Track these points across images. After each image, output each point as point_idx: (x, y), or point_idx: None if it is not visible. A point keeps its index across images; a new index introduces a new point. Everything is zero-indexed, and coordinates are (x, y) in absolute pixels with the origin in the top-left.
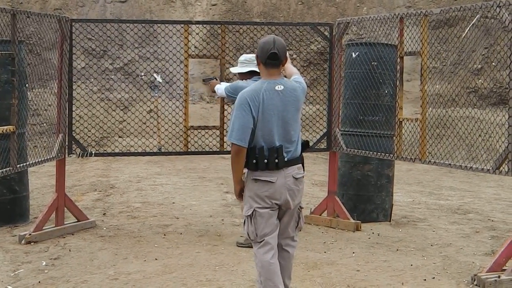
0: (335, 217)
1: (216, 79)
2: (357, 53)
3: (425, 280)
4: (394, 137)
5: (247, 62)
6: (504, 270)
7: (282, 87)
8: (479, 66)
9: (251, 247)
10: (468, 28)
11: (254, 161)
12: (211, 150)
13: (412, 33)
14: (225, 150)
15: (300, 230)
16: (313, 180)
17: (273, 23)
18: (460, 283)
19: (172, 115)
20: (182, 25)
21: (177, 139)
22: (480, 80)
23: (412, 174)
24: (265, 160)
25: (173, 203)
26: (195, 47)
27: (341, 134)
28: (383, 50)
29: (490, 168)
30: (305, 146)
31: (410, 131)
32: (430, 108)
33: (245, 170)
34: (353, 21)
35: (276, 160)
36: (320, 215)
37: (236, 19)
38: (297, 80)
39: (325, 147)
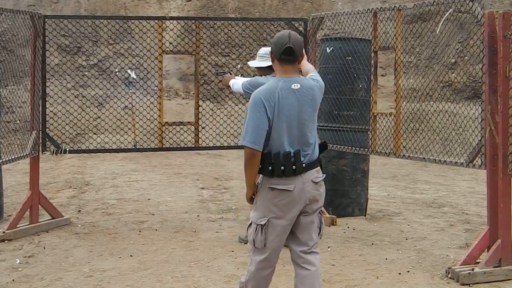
0: None
1: (230, 73)
2: (332, 48)
3: (399, 273)
4: (369, 132)
5: (267, 56)
6: (478, 263)
7: (299, 85)
8: (453, 61)
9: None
10: (441, 23)
11: (270, 168)
12: (186, 146)
13: (387, 27)
14: (200, 146)
15: (321, 237)
16: None
17: (248, 18)
18: (434, 276)
19: (147, 111)
20: (157, 21)
21: (151, 136)
22: (453, 74)
23: (388, 168)
24: (282, 167)
25: (149, 199)
26: (170, 43)
27: (316, 129)
28: (357, 45)
29: (464, 161)
30: (323, 147)
31: (384, 126)
32: (405, 103)
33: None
34: (327, 16)
35: (294, 167)
36: None
37: (211, 14)
38: (314, 78)
39: None
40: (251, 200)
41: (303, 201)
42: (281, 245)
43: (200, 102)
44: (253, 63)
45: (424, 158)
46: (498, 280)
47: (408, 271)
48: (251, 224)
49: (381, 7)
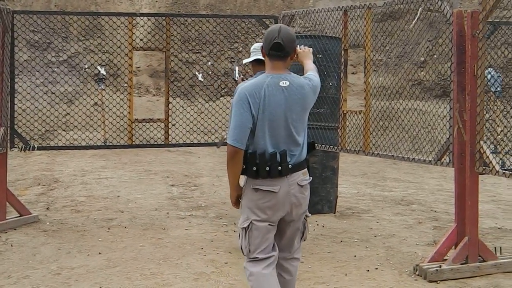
0: None
1: (243, 79)
2: (302, 45)
3: (368, 270)
4: (339, 129)
5: (255, 51)
6: (445, 260)
7: (288, 83)
8: (423, 59)
9: None
10: (414, 21)
11: (255, 168)
12: (156, 143)
13: (357, 26)
14: (170, 143)
15: (304, 240)
16: None
17: (219, 15)
18: (402, 273)
19: (117, 108)
20: (127, 17)
21: (121, 132)
22: (422, 73)
23: (357, 166)
24: (267, 168)
25: (118, 196)
26: (140, 39)
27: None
28: (328, 42)
29: (432, 159)
30: (311, 148)
31: (354, 123)
32: (374, 100)
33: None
34: (298, 14)
35: (279, 167)
36: None
37: (183, 11)
38: (307, 77)
39: None
40: (236, 203)
41: (288, 204)
42: (272, 243)
43: (171, 99)
44: (245, 60)
45: (393, 155)
46: (465, 277)
47: (377, 268)
48: (239, 232)
49: (351, 5)
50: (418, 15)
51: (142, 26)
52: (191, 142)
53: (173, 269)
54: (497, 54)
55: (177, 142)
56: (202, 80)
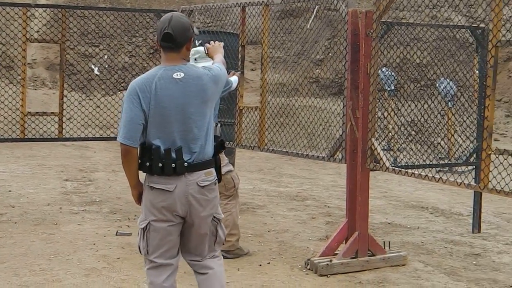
0: None
1: (235, 72)
2: (200, 41)
3: (260, 265)
4: (235, 125)
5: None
6: (336, 254)
7: (182, 74)
8: (321, 57)
9: (236, 257)
10: (311, 20)
11: (148, 164)
12: (49, 137)
13: (257, 22)
14: (63, 137)
15: (220, 245)
16: None
17: (117, 8)
18: (294, 268)
19: (9, 101)
20: (21, 8)
21: (13, 126)
22: (317, 70)
23: (254, 162)
24: (160, 164)
25: (10, 191)
26: (36, 31)
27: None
28: (226, 38)
29: (325, 155)
30: (220, 146)
31: (250, 120)
32: (273, 97)
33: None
34: (197, 9)
35: (174, 164)
36: None
37: (82, 3)
38: (206, 67)
39: None
40: (139, 201)
41: (186, 205)
42: (173, 246)
43: (67, 93)
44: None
45: (287, 152)
46: (354, 270)
47: (269, 263)
48: (138, 232)
49: (249, 2)
50: (314, 13)
51: (37, 18)
52: (85, 136)
53: (63, 265)
54: (389, 53)
55: (71, 136)
56: (98, 74)
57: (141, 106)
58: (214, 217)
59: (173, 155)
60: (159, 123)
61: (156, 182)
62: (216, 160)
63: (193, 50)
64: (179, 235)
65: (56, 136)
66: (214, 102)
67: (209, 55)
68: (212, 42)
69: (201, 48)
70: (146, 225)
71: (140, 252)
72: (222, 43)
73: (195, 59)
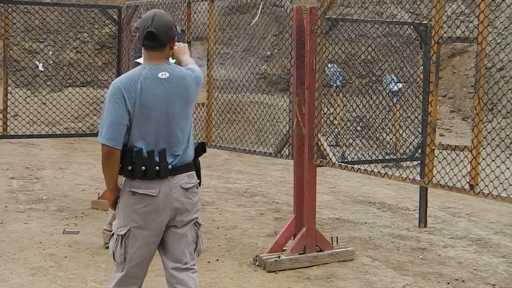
0: None
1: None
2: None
3: (209, 262)
4: None
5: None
6: (284, 250)
7: (167, 74)
8: (269, 53)
9: None
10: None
11: (130, 167)
12: None
13: (205, 18)
14: (8, 134)
15: (199, 254)
16: None
17: (61, 4)
18: (242, 264)
19: None
20: None
21: None
22: (263, 66)
23: (202, 158)
24: (143, 167)
25: None
26: None
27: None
28: None
29: (273, 151)
30: (201, 149)
31: (197, 116)
32: (217, 93)
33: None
34: (142, 5)
35: (157, 168)
36: None
37: None
38: (189, 67)
39: None
40: (114, 205)
41: (170, 209)
42: (147, 259)
43: (11, 90)
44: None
45: (234, 148)
46: (303, 266)
47: (217, 260)
48: (113, 234)
49: None
50: (260, 9)
51: None
52: (31, 134)
53: (9, 264)
54: (334, 49)
55: (16, 133)
56: (42, 70)
57: (126, 106)
58: (196, 222)
59: (156, 158)
60: (142, 124)
61: (138, 187)
62: (196, 164)
63: None
64: (155, 250)
65: (1, 134)
66: (193, 104)
67: (174, 57)
68: (176, 43)
69: None
70: (126, 232)
71: (114, 259)
72: (187, 44)
73: None
